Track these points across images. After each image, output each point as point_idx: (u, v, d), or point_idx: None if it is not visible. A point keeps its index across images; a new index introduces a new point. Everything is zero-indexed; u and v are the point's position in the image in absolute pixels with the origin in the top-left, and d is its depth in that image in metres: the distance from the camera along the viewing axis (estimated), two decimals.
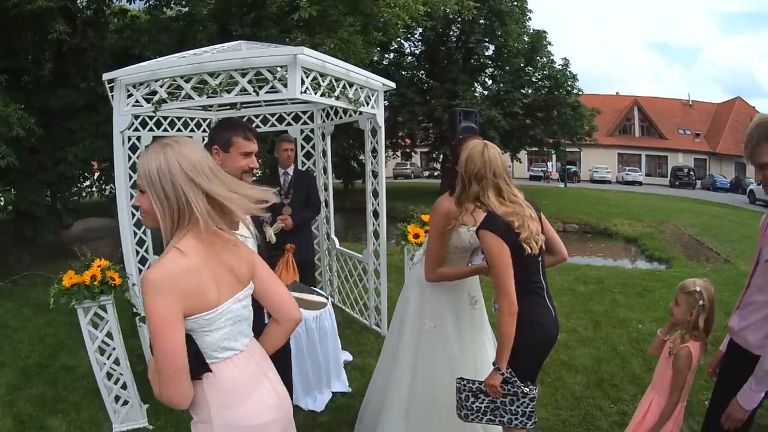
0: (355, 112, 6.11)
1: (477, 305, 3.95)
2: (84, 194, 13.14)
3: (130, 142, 6.13)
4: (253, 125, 6.82)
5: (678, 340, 3.26)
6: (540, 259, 3.17)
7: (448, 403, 3.69)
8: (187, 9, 12.23)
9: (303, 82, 4.50)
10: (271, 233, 3.35)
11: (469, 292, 3.91)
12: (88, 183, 13.51)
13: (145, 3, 12.34)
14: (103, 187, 13.93)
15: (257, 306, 3.56)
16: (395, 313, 4.20)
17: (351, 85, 5.43)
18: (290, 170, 6.35)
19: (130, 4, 12.33)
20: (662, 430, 3.26)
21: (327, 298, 3.57)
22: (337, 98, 5.18)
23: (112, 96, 4.92)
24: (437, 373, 3.76)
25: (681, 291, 3.30)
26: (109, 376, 4.63)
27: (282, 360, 3.65)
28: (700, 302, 3.17)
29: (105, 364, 4.59)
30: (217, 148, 3.15)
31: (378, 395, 4.18)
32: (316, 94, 4.79)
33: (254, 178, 3.33)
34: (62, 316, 7.37)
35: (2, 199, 9.16)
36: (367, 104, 5.80)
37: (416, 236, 6.15)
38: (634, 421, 3.52)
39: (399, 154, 39.84)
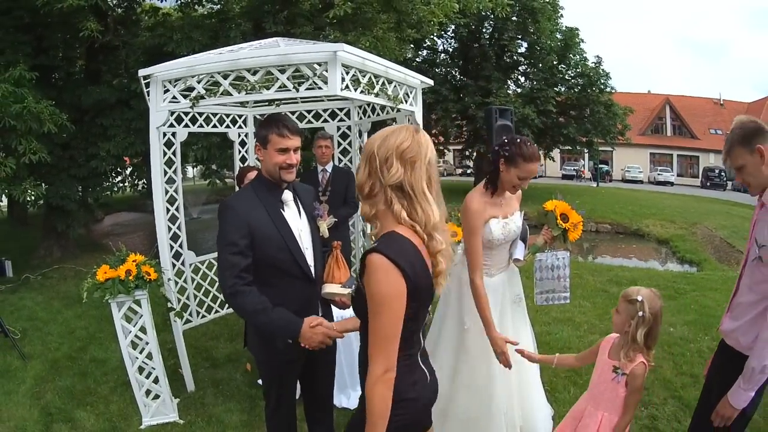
0: (392, 109, 6.05)
1: (521, 303, 3.91)
2: (116, 189, 13.28)
3: (165, 138, 6.13)
4: None
5: (622, 358, 3.01)
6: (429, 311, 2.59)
7: (489, 403, 3.68)
8: (219, 6, 12.28)
9: (343, 79, 4.44)
10: (324, 228, 3.32)
11: (515, 290, 3.90)
12: (120, 178, 13.64)
13: (177, 1, 12.41)
14: (135, 182, 14.04)
15: (324, 302, 3.55)
16: (436, 312, 4.19)
17: (390, 82, 5.36)
18: (329, 167, 6.34)
19: (162, 1, 12.46)
20: None
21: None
22: (377, 95, 5.12)
23: (148, 92, 4.92)
24: (479, 373, 3.75)
25: (623, 298, 3.07)
26: (140, 370, 4.66)
27: (330, 355, 3.63)
28: (640, 313, 2.93)
29: (137, 358, 4.62)
30: (258, 145, 3.19)
31: None
32: (355, 91, 4.73)
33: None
34: (92, 309, 7.45)
35: (33, 193, 9.25)
36: (406, 101, 5.73)
37: (453, 234, 6.09)
38: None
39: None
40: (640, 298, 2.95)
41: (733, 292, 3.12)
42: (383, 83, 5.22)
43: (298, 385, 3.80)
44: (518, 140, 3.58)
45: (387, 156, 2.14)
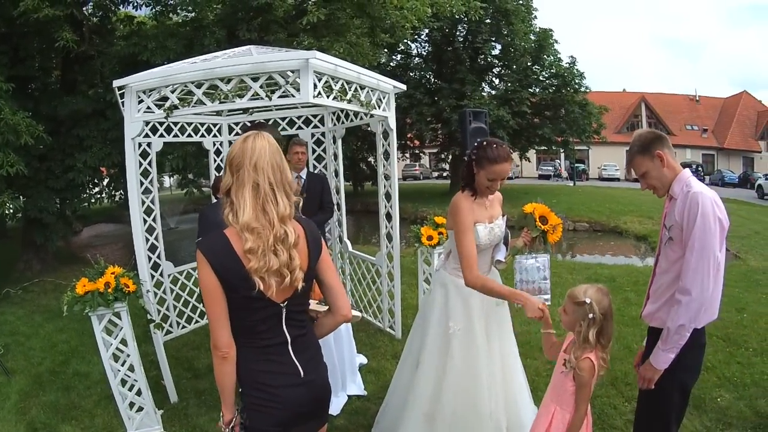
0: (366, 114, 6.10)
1: (504, 305, 3.95)
2: (93, 200, 13.18)
3: (141, 149, 6.14)
4: None
5: (572, 354, 3.02)
6: (284, 305, 2.42)
7: (476, 406, 3.71)
8: (193, 14, 12.24)
9: (315, 86, 4.48)
10: (314, 306, 3.32)
11: None
12: (97, 189, 13.55)
13: (151, 9, 12.35)
14: (112, 192, 13.95)
15: None
16: (418, 316, 4.23)
17: (362, 88, 5.41)
18: (303, 174, 6.33)
19: (136, 10, 12.37)
20: None
21: (360, 311, 3.56)
22: (349, 101, 5.17)
23: (123, 103, 4.91)
24: (466, 376, 3.75)
25: (570, 299, 3.07)
26: (123, 382, 4.63)
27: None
28: (590, 315, 2.94)
29: (119, 370, 4.59)
30: None
31: (398, 398, 4.18)
32: (328, 97, 4.77)
33: None
34: (74, 322, 7.39)
35: (12, 206, 9.18)
36: (379, 107, 5.79)
37: (430, 238, 6.15)
38: None
39: (408, 155, 39.98)
40: (588, 300, 2.96)
41: (650, 282, 3.40)
42: (356, 89, 5.27)
43: None
44: (485, 143, 3.64)
45: (224, 167, 2.41)
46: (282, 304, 2.41)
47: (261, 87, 4.41)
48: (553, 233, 3.92)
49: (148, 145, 6.41)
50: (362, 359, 6.07)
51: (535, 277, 3.88)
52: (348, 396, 5.29)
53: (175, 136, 6.65)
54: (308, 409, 2.56)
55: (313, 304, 3.38)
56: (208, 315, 2.38)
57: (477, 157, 3.61)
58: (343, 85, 5.03)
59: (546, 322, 3.35)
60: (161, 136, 6.41)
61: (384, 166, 6.72)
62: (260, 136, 2.39)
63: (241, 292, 2.29)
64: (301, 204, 2.58)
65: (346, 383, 5.35)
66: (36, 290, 10.21)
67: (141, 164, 6.02)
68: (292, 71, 4.42)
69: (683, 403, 3.27)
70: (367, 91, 5.51)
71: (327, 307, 3.07)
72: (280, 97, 4.48)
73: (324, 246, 2.63)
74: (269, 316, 2.41)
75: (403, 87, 6.34)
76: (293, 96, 4.46)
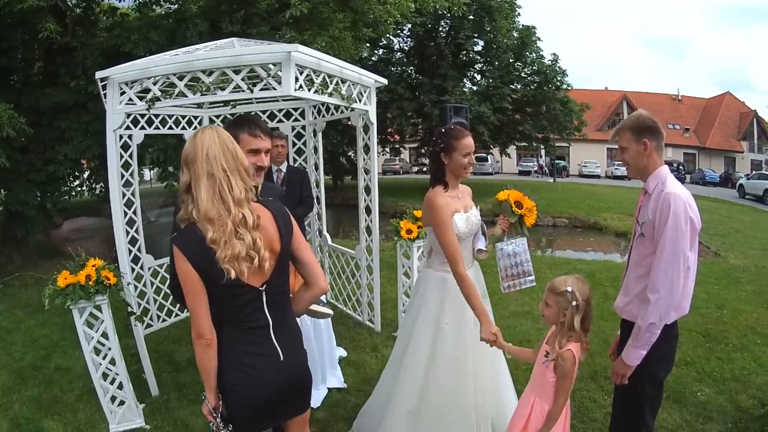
0: (347, 108, 6.10)
1: (486, 299, 3.98)
2: (74, 193, 13.09)
3: (122, 141, 6.11)
4: None
5: (555, 344, 3.07)
6: (263, 289, 2.48)
7: (460, 401, 3.74)
8: (176, 6, 12.17)
9: (297, 80, 4.50)
10: (317, 310, 3.31)
11: (480, 285, 3.95)
12: (78, 182, 13.45)
13: (135, 1, 12.26)
14: (93, 185, 13.85)
15: None
16: (407, 312, 4.24)
17: (344, 81, 5.43)
18: (283, 167, 6.31)
19: (120, 1, 12.29)
20: (554, 430, 3.10)
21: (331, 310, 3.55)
22: (330, 95, 5.18)
23: (104, 94, 4.87)
24: (453, 370, 3.77)
25: (551, 291, 3.13)
26: (104, 376, 4.62)
27: None
28: (573, 303, 3.02)
29: (101, 364, 4.58)
30: None
31: (384, 393, 4.19)
32: (309, 91, 4.79)
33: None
34: (55, 316, 7.35)
35: None
36: (360, 101, 5.81)
37: (409, 231, 6.17)
38: (515, 426, 3.26)
39: (388, 150, 39.95)
40: (570, 289, 3.03)
41: (624, 272, 3.41)
42: (337, 83, 5.28)
43: None
44: (442, 130, 3.82)
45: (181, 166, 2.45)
46: (261, 288, 2.46)
47: (243, 80, 4.42)
48: (530, 216, 3.99)
49: (129, 137, 6.38)
50: (342, 352, 6.09)
51: (518, 260, 3.94)
52: (328, 389, 5.30)
53: (156, 128, 6.62)
54: (286, 393, 2.60)
55: (317, 307, 3.38)
56: (189, 306, 2.41)
57: (444, 144, 3.70)
58: (324, 78, 5.05)
59: (500, 345, 3.47)
60: (142, 128, 6.38)
61: (364, 159, 6.74)
62: (209, 128, 2.45)
63: (220, 281, 2.32)
64: (260, 188, 2.59)
65: (326, 376, 5.35)
66: (17, 284, 10.12)
67: (122, 156, 5.99)
68: (274, 64, 4.43)
69: (657, 394, 3.31)
70: (348, 85, 5.53)
71: (329, 311, 3.16)
72: (261, 89, 4.50)
73: (295, 224, 2.65)
74: (250, 300, 2.45)
75: (385, 81, 6.37)
76: (274, 89, 4.47)
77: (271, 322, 2.53)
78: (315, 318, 4.54)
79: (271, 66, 4.44)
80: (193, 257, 2.33)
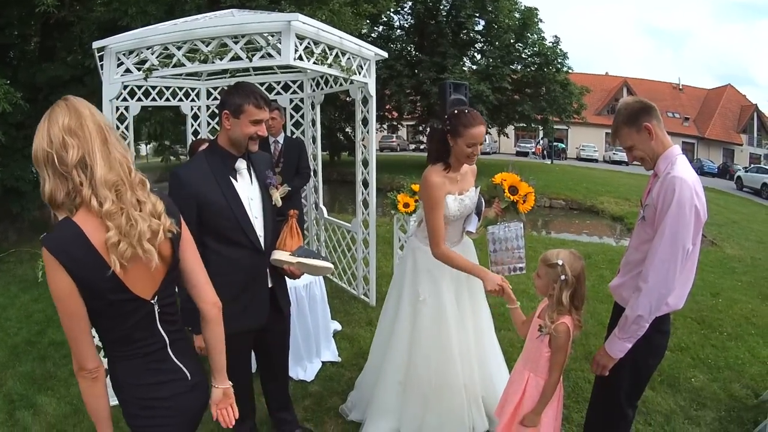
0: (345, 81, 6.08)
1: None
2: None
3: (118, 112, 6.08)
4: None
5: (547, 318, 2.98)
6: (154, 301, 2.07)
7: (448, 378, 3.72)
8: None
9: (296, 50, 4.47)
10: (277, 196, 3.28)
11: (474, 261, 3.90)
12: None
13: None
14: None
15: (277, 274, 3.48)
16: (392, 284, 4.21)
17: (344, 53, 5.40)
18: (280, 138, 6.27)
19: None
20: (547, 408, 3.05)
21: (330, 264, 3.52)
22: (330, 66, 5.16)
23: (102, 65, 4.83)
24: (435, 346, 3.75)
25: (542, 263, 3.06)
26: (98, 349, 4.61)
27: (282, 325, 3.66)
28: (562, 277, 2.93)
29: (94, 337, 4.56)
30: (227, 113, 3.06)
31: (375, 365, 4.20)
32: (308, 61, 4.76)
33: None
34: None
35: None
36: (359, 73, 5.77)
37: (406, 205, 6.15)
38: (510, 401, 3.20)
39: (385, 127, 39.92)
40: (560, 262, 2.95)
41: (624, 254, 3.28)
42: (337, 54, 5.25)
43: (254, 359, 3.83)
44: (456, 111, 3.63)
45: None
46: (152, 301, 2.05)
47: (242, 49, 4.39)
48: (525, 203, 3.82)
49: (126, 109, 6.35)
50: (336, 326, 6.11)
51: (509, 246, 3.88)
52: (322, 362, 5.31)
53: (153, 99, 6.60)
54: (201, 414, 2.30)
55: (284, 255, 3.36)
56: (66, 332, 1.96)
57: (452, 127, 3.56)
58: (324, 49, 5.02)
59: (507, 297, 3.41)
60: (139, 99, 6.36)
61: (362, 132, 6.72)
62: (64, 102, 2.15)
63: (108, 295, 1.92)
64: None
65: (321, 350, 5.37)
66: (12, 260, 10.10)
67: (118, 128, 5.97)
68: (273, 34, 4.40)
69: (635, 384, 3.20)
70: (348, 57, 5.51)
71: (298, 259, 3.06)
72: (260, 59, 4.47)
73: (185, 227, 2.22)
74: (142, 317, 2.05)
75: (385, 54, 6.33)
76: (274, 58, 4.44)
77: (167, 340, 2.13)
78: (317, 275, 4.54)
79: (270, 36, 4.41)
80: (70, 264, 1.85)
